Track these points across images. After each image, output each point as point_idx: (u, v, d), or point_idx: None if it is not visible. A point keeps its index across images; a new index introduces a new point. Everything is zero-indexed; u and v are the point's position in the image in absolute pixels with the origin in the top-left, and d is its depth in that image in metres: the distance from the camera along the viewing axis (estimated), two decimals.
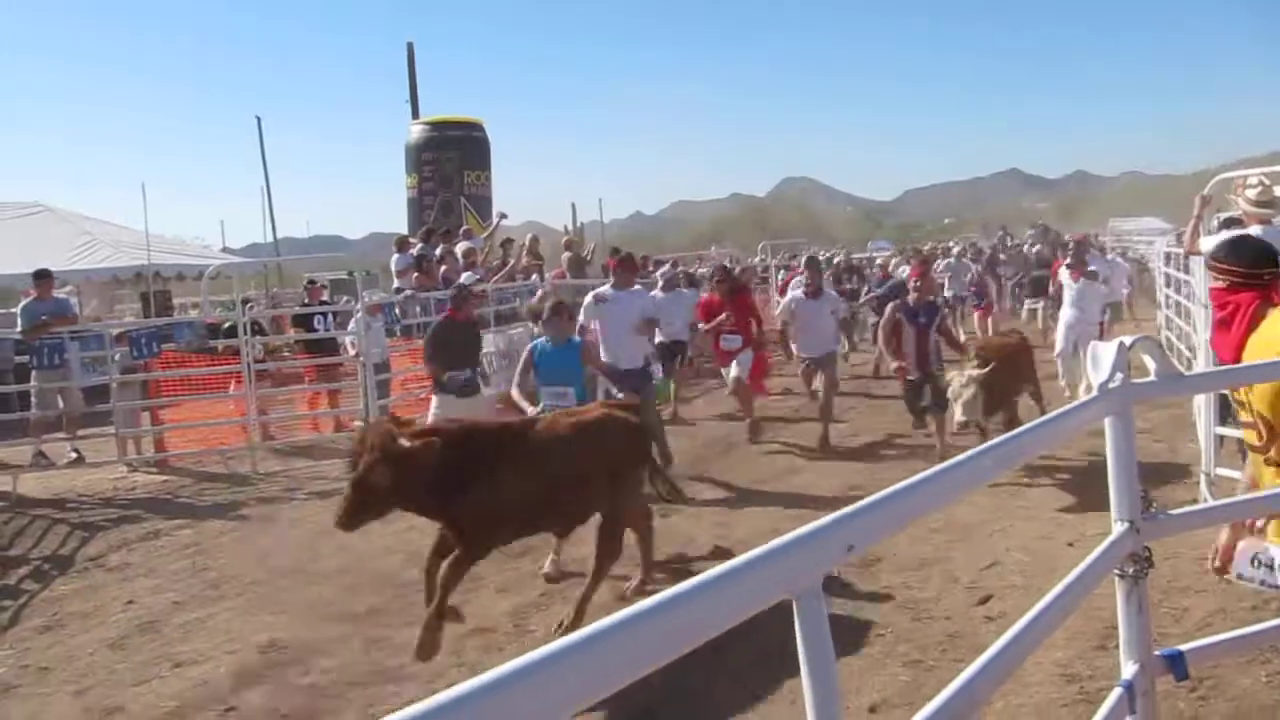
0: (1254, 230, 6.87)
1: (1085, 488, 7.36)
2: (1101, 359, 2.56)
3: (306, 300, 12.59)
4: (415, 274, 13.36)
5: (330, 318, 11.78)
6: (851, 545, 1.56)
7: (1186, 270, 9.52)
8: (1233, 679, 4.21)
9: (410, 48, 25.08)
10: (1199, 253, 6.92)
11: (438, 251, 14.39)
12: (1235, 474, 6.58)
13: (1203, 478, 6.81)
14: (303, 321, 11.85)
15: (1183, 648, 2.71)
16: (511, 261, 14.44)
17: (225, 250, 25.95)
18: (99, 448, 10.72)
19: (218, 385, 10.78)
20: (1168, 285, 13.67)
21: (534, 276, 14.39)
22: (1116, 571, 2.56)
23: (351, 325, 11.24)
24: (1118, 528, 2.56)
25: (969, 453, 2.06)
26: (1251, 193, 6.88)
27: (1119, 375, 2.54)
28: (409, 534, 6.98)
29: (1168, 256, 13.33)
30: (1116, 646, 4.33)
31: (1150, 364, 2.75)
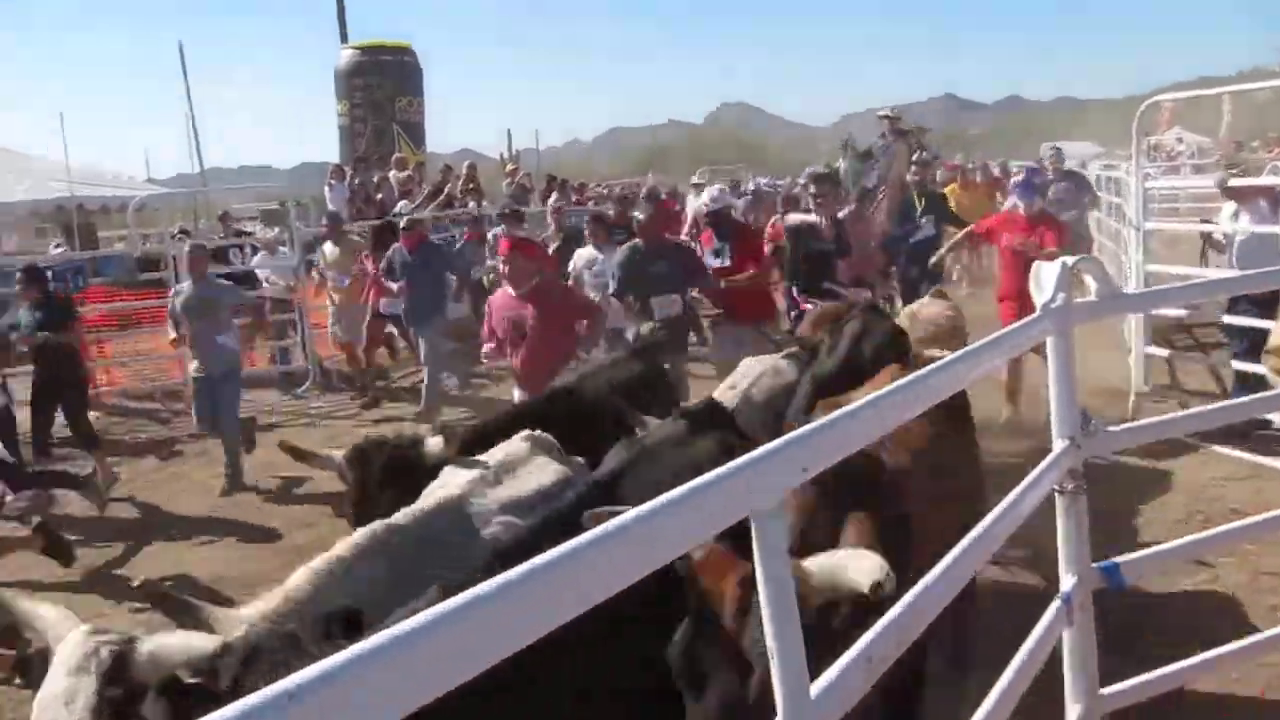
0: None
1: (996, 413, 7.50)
2: (1044, 278, 2.58)
3: (222, 235, 12.47)
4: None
5: (248, 250, 11.69)
6: (806, 467, 1.56)
7: (1118, 193, 9.64)
8: (1160, 590, 4.35)
9: None
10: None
11: (375, 179, 14.12)
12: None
13: (1132, 397, 6.98)
14: (221, 256, 11.51)
15: (1118, 560, 2.78)
16: (447, 187, 14.17)
17: (150, 181, 25.04)
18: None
19: (149, 320, 10.48)
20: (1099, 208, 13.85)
21: (470, 204, 14.16)
22: (1056, 488, 2.60)
23: (256, 261, 11.12)
24: (1059, 444, 2.60)
25: (917, 374, 2.07)
26: None
27: (1061, 295, 2.57)
28: None
29: (1100, 180, 13.49)
30: (1048, 563, 4.47)
31: (1092, 284, 2.78)
